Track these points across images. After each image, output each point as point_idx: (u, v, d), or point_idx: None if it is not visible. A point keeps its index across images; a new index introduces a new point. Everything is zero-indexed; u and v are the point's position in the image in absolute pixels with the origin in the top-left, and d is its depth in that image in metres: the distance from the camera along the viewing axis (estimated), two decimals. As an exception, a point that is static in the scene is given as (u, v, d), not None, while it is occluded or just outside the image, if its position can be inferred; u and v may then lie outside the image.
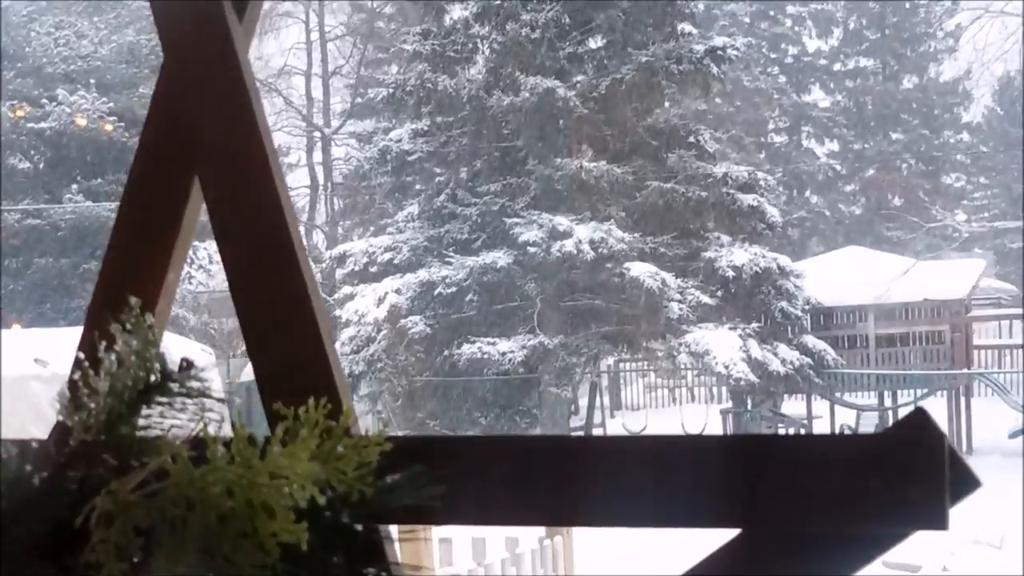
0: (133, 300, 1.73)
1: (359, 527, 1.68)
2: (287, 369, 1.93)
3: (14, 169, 31.36)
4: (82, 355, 1.76)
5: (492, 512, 1.79)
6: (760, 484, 1.66)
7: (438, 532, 8.42)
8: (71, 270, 29.87)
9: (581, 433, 24.77)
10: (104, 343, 1.73)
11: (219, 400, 1.74)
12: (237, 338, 33.65)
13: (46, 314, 28.96)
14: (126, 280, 2.01)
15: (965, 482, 1.64)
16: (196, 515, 1.59)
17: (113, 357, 1.74)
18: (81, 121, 30.05)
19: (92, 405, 1.74)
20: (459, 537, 8.97)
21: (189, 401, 1.75)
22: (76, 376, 1.75)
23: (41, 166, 31.81)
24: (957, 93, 47.50)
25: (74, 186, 30.48)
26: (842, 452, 1.67)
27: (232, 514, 1.57)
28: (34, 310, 29.07)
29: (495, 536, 9.34)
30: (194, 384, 1.75)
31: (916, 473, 1.61)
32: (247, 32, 2.06)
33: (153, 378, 1.75)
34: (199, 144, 2.00)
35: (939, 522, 1.61)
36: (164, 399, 1.75)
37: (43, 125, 30.45)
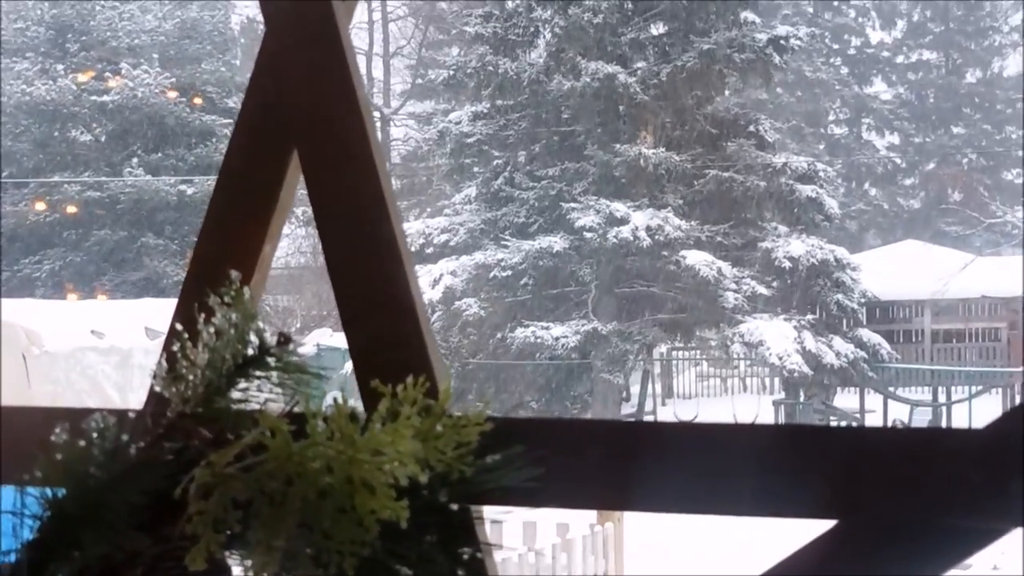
0: (234, 274, 1.73)
1: (455, 507, 1.68)
2: (382, 345, 1.93)
3: (76, 141, 31.66)
4: (179, 326, 1.76)
5: (588, 495, 1.78)
6: (859, 475, 1.65)
7: (489, 514, 8.41)
8: (128, 243, 30.12)
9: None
10: (203, 315, 1.73)
11: (316, 376, 1.74)
12: (291, 316, 33.86)
13: (103, 286, 29.22)
14: (223, 253, 2.01)
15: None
16: (295, 489, 1.59)
17: (211, 330, 1.74)
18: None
19: (190, 377, 1.74)
20: (510, 520, 8.97)
21: (286, 375, 1.75)
22: (174, 347, 1.75)
23: (103, 139, 32.07)
24: (1021, 88, 46.91)
25: (134, 160, 30.71)
26: (944, 444, 1.65)
27: (331, 490, 1.57)
28: (91, 283, 29.34)
29: (546, 521, 9.35)
30: (292, 359, 1.75)
31: (1019, 466, 1.59)
32: (348, 8, 2.05)
33: (251, 351, 1.75)
34: (299, 118, 2.00)
35: (1042, 517, 1.60)
36: (261, 373, 1.75)
37: (106, 99, 30.69)
